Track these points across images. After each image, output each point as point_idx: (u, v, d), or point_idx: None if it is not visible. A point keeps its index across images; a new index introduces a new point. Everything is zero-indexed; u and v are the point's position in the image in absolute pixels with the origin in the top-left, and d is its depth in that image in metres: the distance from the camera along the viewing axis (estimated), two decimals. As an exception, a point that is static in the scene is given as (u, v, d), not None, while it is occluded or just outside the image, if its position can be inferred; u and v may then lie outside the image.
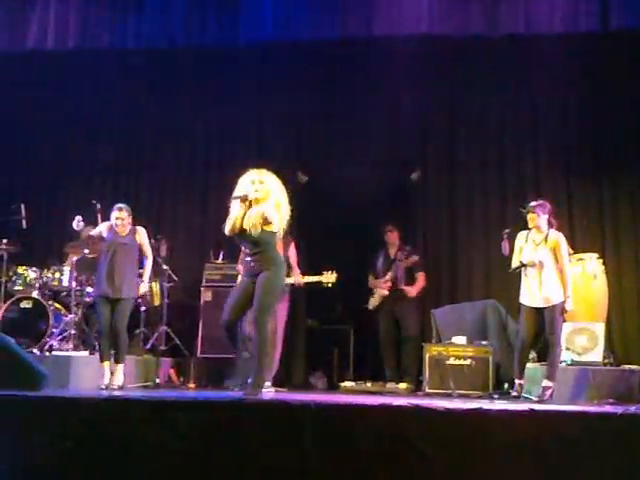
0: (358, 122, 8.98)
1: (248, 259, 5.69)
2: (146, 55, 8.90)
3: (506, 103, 9.00)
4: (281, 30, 8.13)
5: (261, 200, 5.58)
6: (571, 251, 7.13)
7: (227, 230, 5.64)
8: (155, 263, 8.35)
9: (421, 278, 8.26)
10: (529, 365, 6.80)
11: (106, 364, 6.83)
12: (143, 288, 7.24)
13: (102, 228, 7.07)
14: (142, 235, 7.10)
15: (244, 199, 5.57)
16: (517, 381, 6.63)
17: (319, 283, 7.53)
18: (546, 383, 6.38)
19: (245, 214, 5.56)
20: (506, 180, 8.88)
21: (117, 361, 6.88)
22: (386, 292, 8.15)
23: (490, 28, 7.88)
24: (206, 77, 9.36)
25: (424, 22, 7.89)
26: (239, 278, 6.06)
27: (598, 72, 8.56)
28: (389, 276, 8.17)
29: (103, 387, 6.70)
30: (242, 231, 5.57)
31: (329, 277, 7.46)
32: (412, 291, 8.14)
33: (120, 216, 6.96)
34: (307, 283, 7.60)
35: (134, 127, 9.64)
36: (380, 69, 8.71)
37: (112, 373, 6.84)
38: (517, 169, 8.87)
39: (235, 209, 5.63)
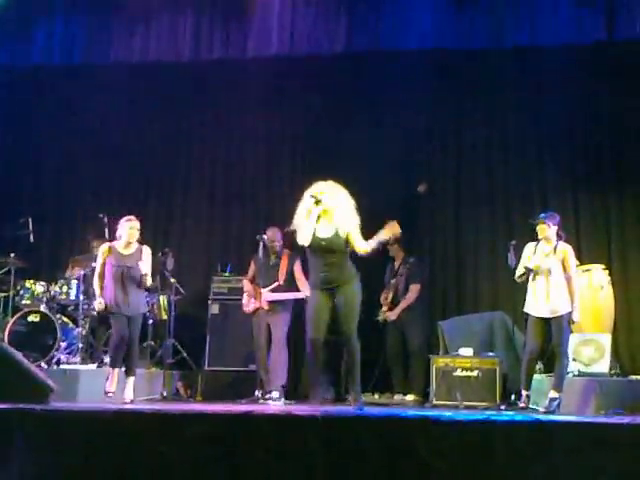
0: (364, 135, 9.01)
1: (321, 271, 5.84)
2: (153, 70, 8.97)
3: (511, 115, 9.02)
4: (288, 44, 8.19)
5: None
6: (577, 262, 7.13)
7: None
8: (162, 276, 8.40)
9: (413, 290, 8.13)
10: (536, 376, 6.79)
11: (116, 371, 6.86)
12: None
13: (100, 258, 7.03)
14: (147, 256, 7.08)
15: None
16: (524, 392, 6.62)
17: None
18: (553, 394, 6.36)
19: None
20: (512, 191, 8.88)
21: (128, 374, 6.90)
22: (392, 317, 8.06)
23: (495, 40, 7.92)
24: (213, 91, 9.42)
25: (429, 35, 7.95)
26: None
27: (603, 83, 8.56)
28: (387, 294, 8.15)
29: (111, 394, 6.73)
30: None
31: None
32: (392, 314, 8.08)
33: (135, 226, 6.99)
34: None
35: (141, 141, 9.69)
36: (386, 82, 8.74)
37: (119, 383, 6.86)
38: (523, 180, 8.87)
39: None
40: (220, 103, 9.43)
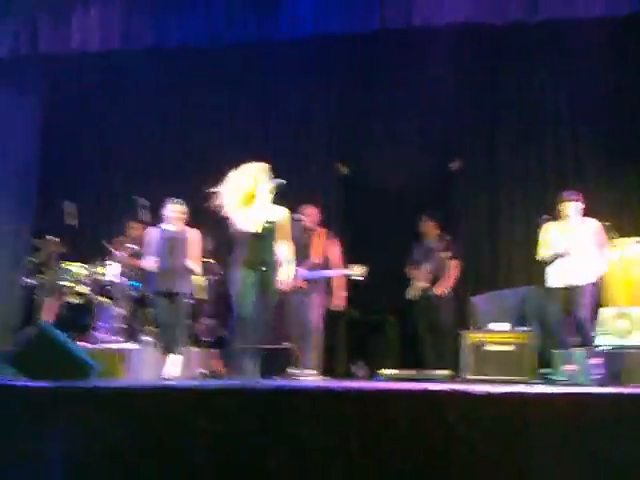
0: (398, 112, 9.02)
1: None
2: (188, 54, 9.04)
3: (546, 89, 8.96)
4: (321, 24, 8.21)
5: None
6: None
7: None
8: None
9: (453, 267, 8.19)
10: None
11: (171, 356, 6.97)
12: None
13: (152, 237, 7.14)
14: (196, 237, 7.19)
15: None
16: (565, 367, 6.64)
17: (348, 276, 7.57)
18: (590, 362, 6.38)
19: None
20: (546, 166, 8.85)
21: (173, 352, 6.98)
22: (425, 284, 8.15)
23: (529, 14, 7.86)
24: (249, 74, 9.47)
25: (462, 10, 7.91)
26: None
27: (638, 56, 8.47)
28: (429, 268, 8.19)
29: (166, 378, 6.85)
30: None
31: (357, 270, 7.48)
32: (440, 289, 8.12)
33: (176, 209, 7.10)
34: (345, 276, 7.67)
35: (177, 125, 9.80)
36: (419, 59, 8.71)
37: (169, 363, 6.95)
38: (557, 155, 8.84)
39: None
40: (255, 85, 9.48)
